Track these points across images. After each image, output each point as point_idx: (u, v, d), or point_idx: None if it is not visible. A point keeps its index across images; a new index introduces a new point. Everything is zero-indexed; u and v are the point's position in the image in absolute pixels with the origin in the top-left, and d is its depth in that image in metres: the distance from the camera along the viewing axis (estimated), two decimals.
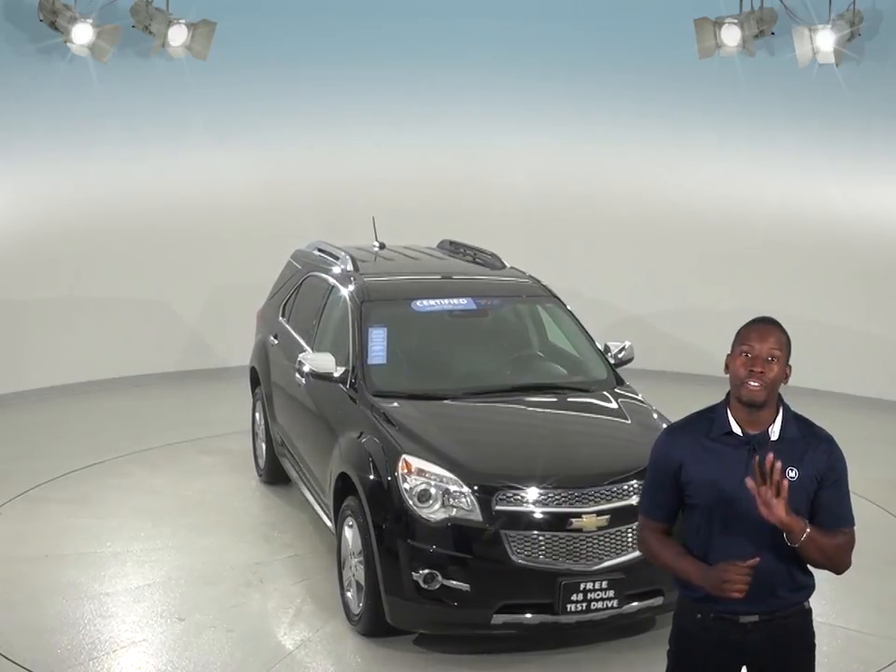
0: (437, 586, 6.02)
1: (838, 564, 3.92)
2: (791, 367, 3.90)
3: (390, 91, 12.17)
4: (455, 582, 6.01)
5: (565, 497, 6.10)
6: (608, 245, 12.38)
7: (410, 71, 12.05)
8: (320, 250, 8.89)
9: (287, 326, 8.73)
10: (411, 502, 6.12)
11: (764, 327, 3.89)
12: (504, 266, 8.29)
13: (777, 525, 3.71)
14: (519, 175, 12.40)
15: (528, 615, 6.05)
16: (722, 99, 11.78)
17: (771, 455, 3.68)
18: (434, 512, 6.09)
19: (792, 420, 3.93)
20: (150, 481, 9.06)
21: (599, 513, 6.09)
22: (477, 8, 11.99)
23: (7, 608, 6.80)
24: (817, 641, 4.07)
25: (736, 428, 3.90)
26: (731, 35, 10.88)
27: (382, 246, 8.85)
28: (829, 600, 6.90)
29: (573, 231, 12.35)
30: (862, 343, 11.61)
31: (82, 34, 10.26)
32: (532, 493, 6.10)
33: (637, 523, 6.02)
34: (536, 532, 6.04)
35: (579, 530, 6.06)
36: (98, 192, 11.39)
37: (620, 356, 7.69)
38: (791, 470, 3.84)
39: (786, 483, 3.67)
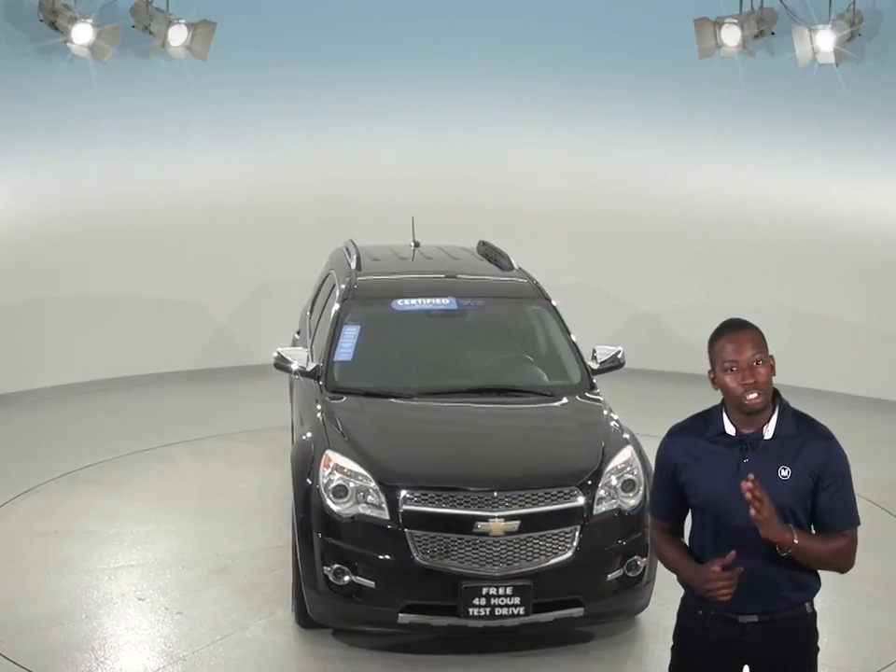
0: (346, 582, 6.09)
1: (839, 567, 3.92)
2: (772, 357, 3.88)
3: (390, 90, 12.16)
4: (361, 579, 6.08)
5: (473, 499, 6.10)
6: (606, 244, 12.36)
7: (410, 71, 12.03)
8: (346, 249, 8.97)
9: (308, 322, 8.95)
10: (326, 497, 6.21)
11: (736, 335, 3.85)
12: (512, 267, 8.27)
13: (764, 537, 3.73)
14: (518, 174, 12.38)
15: (433, 616, 6.07)
16: (722, 99, 11.77)
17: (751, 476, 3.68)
18: (347, 509, 6.16)
19: (790, 417, 3.91)
20: (191, 468, 9.35)
21: (508, 518, 6.05)
22: (477, 8, 11.98)
23: None
24: None
25: (730, 429, 3.90)
26: (731, 35, 10.87)
27: (416, 245, 8.88)
28: None
29: (572, 231, 12.34)
30: (862, 342, 11.60)
31: (82, 34, 10.25)
32: (439, 494, 6.12)
33: (553, 530, 6.10)
34: (441, 533, 6.05)
35: (485, 534, 6.04)
36: (98, 192, 11.38)
37: (606, 361, 7.57)
38: (784, 469, 3.83)
39: (766, 501, 3.66)
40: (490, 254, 8.69)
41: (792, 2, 10.88)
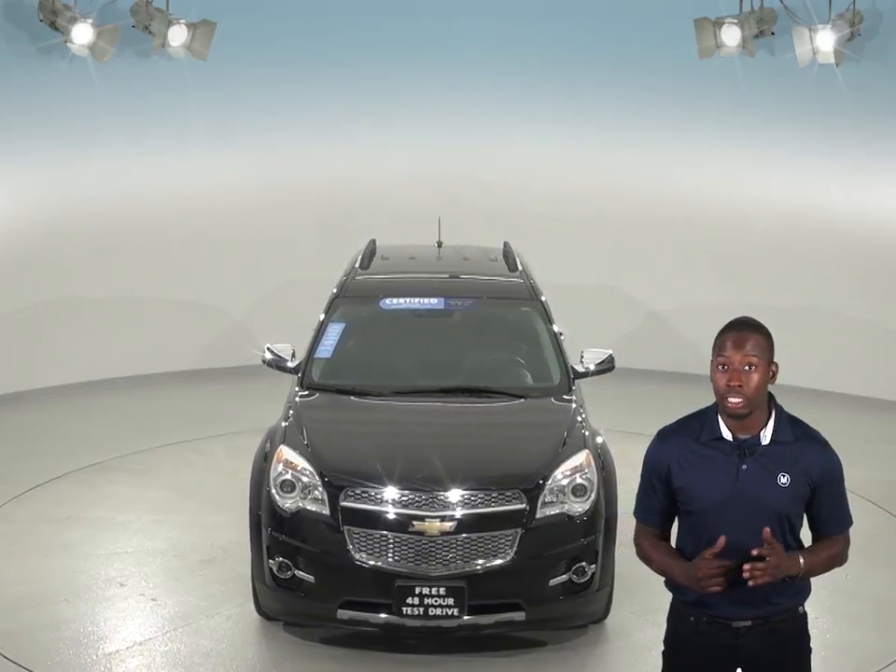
0: (289, 575, 6.19)
1: (836, 567, 3.98)
2: (776, 365, 3.82)
3: (390, 90, 12.16)
4: (303, 574, 6.17)
5: (410, 499, 6.13)
6: (605, 244, 12.36)
7: (410, 71, 12.04)
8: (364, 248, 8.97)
9: None
10: (274, 491, 6.30)
11: (739, 333, 3.79)
12: (516, 268, 8.21)
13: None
14: (518, 174, 12.38)
15: (371, 614, 6.12)
16: (722, 99, 11.77)
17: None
18: (292, 503, 6.25)
19: (786, 422, 3.87)
20: (222, 460, 9.49)
21: (443, 519, 6.07)
22: (477, 8, 11.98)
23: None
24: None
25: (727, 433, 3.84)
26: (731, 35, 10.86)
27: (440, 245, 8.86)
28: None
29: (571, 231, 12.33)
30: (862, 343, 11.60)
31: (82, 34, 10.26)
32: (378, 492, 6.16)
33: (492, 532, 6.08)
34: (378, 531, 6.10)
35: (420, 534, 6.06)
36: (97, 192, 11.38)
37: (593, 364, 7.48)
38: (783, 476, 3.80)
39: (777, 546, 3.69)
40: (507, 255, 8.67)
41: (792, 2, 10.88)
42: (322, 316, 7.66)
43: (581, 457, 6.46)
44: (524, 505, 6.18)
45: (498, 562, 6.11)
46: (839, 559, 3.96)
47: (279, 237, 12.19)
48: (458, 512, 6.11)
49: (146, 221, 11.67)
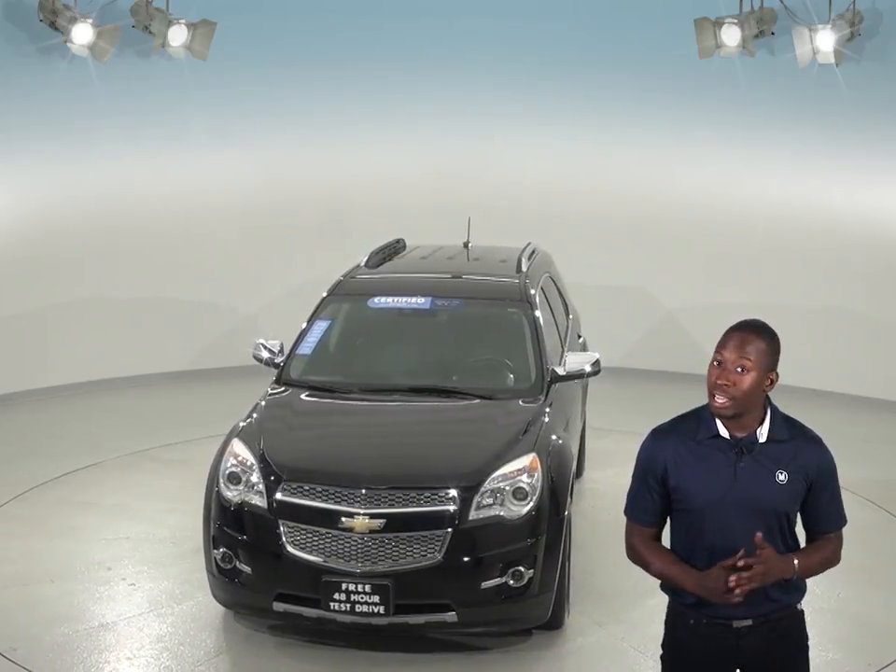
0: (231, 566, 6.29)
1: (830, 567, 3.98)
2: (777, 374, 3.79)
3: (390, 90, 12.17)
4: (242, 565, 6.26)
5: (341, 495, 6.14)
6: (606, 244, 12.36)
7: (410, 71, 12.05)
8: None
9: None
10: (222, 483, 6.41)
11: (742, 334, 3.77)
12: (519, 270, 8.15)
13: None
14: (518, 174, 12.38)
15: (304, 607, 6.16)
16: (722, 99, 11.77)
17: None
18: (236, 496, 6.34)
19: (781, 421, 3.87)
20: None
21: (372, 517, 6.06)
22: (477, 8, 11.98)
23: None
24: None
25: (724, 431, 3.83)
26: (731, 35, 10.87)
27: (466, 245, 8.85)
28: None
29: (572, 231, 12.32)
30: (862, 343, 11.61)
31: (82, 34, 10.27)
32: (313, 487, 6.20)
33: (421, 532, 6.04)
34: (308, 526, 6.15)
35: (349, 530, 6.07)
36: (97, 192, 11.39)
37: (576, 368, 7.35)
38: (781, 473, 3.80)
39: (767, 552, 3.67)
40: (521, 256, 8.59)
41: (792, 2, 10.88)
42: (310, 314, 7.70)
43: (526, 460, 6.36)
44: (455, 506, 6.12)
45: (426, 562, 6.06)
46: (833, 560, 3.95)
47: (279, 237, 12.19)
48: (387, 510, 6.09)
49: (145, 221, 11.67)
